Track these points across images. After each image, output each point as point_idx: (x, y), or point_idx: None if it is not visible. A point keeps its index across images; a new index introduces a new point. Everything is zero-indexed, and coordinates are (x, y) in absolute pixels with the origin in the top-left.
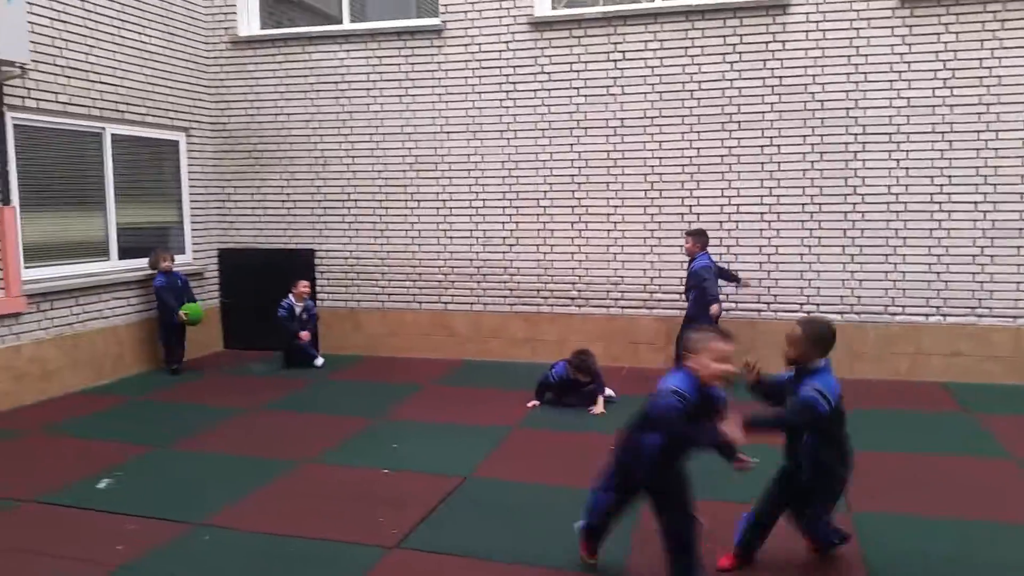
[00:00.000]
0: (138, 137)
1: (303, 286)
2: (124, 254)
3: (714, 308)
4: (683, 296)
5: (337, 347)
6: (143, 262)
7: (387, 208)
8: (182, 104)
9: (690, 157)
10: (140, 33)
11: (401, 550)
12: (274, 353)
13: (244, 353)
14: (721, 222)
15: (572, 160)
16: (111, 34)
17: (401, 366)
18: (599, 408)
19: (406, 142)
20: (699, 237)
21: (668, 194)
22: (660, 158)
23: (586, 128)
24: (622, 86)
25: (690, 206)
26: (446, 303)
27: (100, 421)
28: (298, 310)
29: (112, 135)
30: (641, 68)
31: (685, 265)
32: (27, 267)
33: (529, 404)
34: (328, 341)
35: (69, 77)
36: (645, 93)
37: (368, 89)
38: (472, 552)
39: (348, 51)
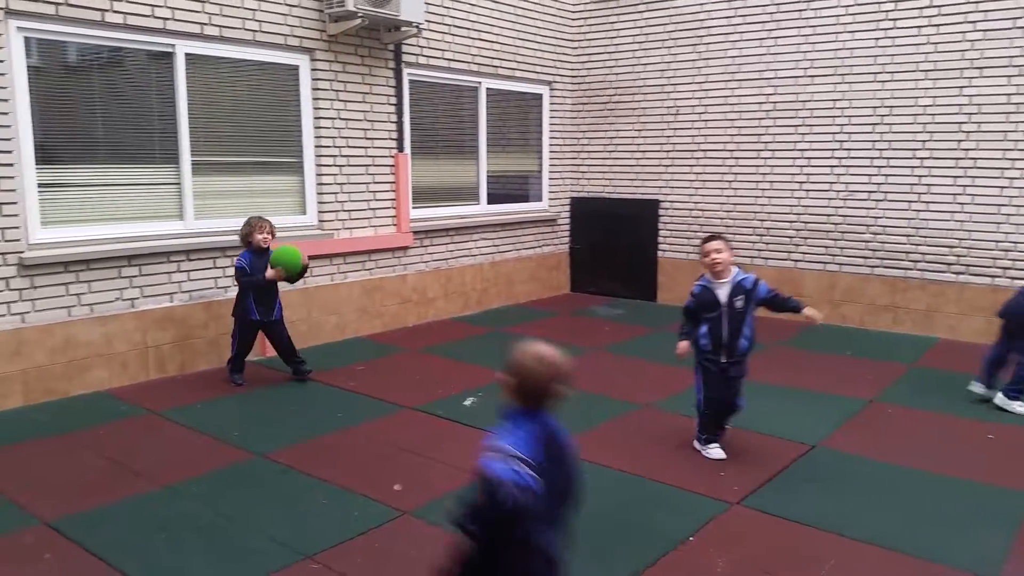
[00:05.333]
0: (508, 91)
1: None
2: (491, 199)
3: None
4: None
5: (678, 298)
6: (507, 207)
7: (737, 159)
8: (547, 58)
9: None
10: None
11: (742, 507)
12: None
13: (589, 297)
14: None
15: (961, 105)
16: None
17: None
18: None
19: (764, 88)
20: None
21: None
22: None
23: (981, 68)
24: None
25: None
26: (796, 260)
27: (466, 346)
28: None
29: (487, 89)
30: None
31: None
32: (414, 207)
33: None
34: (668, 292)
35: (454, 35)
36: None
37: (727, 34)
38: (816, 523)
39: None
